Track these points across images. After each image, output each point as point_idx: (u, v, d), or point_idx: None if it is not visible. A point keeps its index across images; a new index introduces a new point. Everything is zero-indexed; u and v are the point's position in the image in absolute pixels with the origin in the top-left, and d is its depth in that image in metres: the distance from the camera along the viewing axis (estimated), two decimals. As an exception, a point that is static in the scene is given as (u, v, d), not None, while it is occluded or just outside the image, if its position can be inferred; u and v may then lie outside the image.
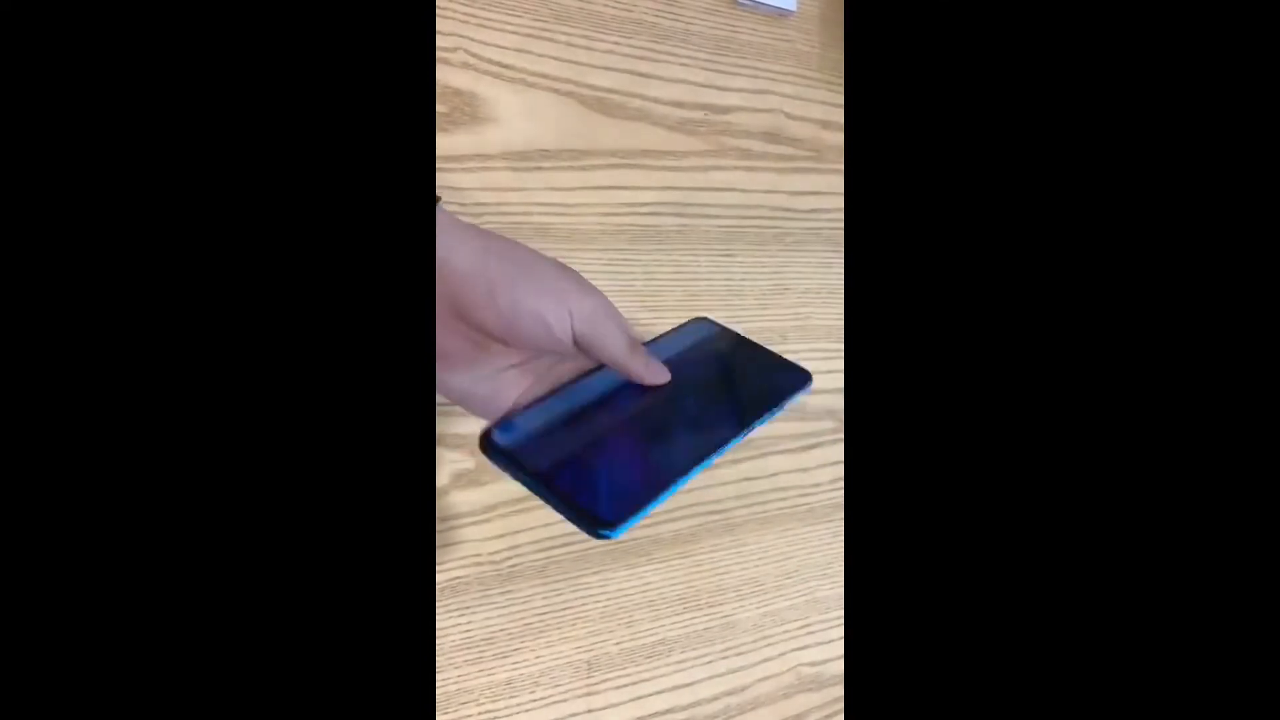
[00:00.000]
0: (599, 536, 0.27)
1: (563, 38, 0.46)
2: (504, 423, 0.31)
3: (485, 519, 0.44)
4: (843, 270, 0.57)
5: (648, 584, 0.49)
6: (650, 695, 0.49)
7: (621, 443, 0.31)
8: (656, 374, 0.34)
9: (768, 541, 0.54)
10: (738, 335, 0.41)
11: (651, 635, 0.49)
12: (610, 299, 0.32)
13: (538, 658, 0.45)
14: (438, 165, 0.43)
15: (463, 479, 0.44)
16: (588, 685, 0.47)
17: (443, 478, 0.43)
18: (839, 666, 0.58)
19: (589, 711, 0.47)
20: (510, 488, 0.45)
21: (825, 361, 0.57)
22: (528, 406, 0.32)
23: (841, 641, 0.58)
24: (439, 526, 0.43)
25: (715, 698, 0.52)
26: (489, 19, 0.44)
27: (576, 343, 0.30)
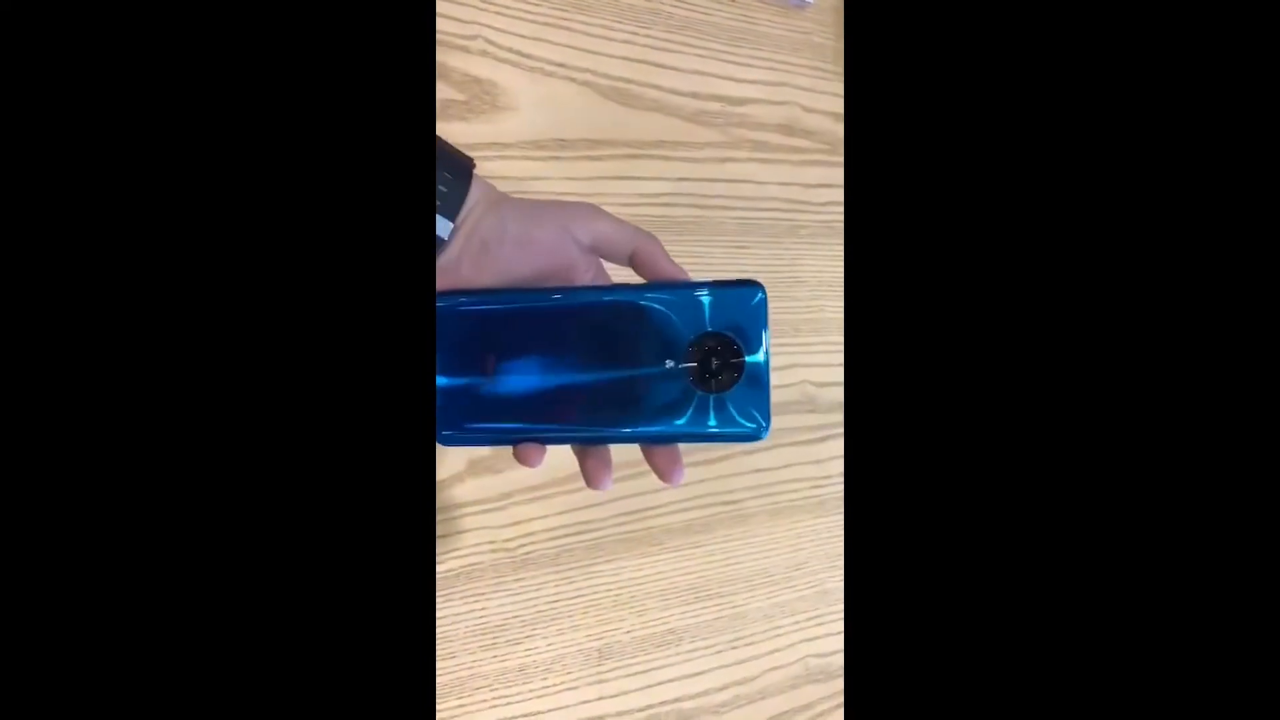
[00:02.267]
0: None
1: (580, 27, 0.46)
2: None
3: (500, 506, 0.45)
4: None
5: (659, 573, 0.50)
6: (660, 684, 0.49)
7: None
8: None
9: (779, 533, 0.54)
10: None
11: (662, 624, 0.50)
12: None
13: (550, 645, 0.46)
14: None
15: (478, 466, 0.44)
16: (599, 673, 0.47)
17: (458, 465, 0.44)
18: (847, 658, 0.58)
19: (599, 699, 0.47)
20: (524, 476, 0.45)
21: (838, 354, 0.57)
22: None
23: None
24: (455, 514, 0.43)
25: (724, 687, 0.52)
26: (507, 7, 0.44)
27: (596, 251, 0.31)
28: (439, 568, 0.43)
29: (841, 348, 0.57)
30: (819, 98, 0.55)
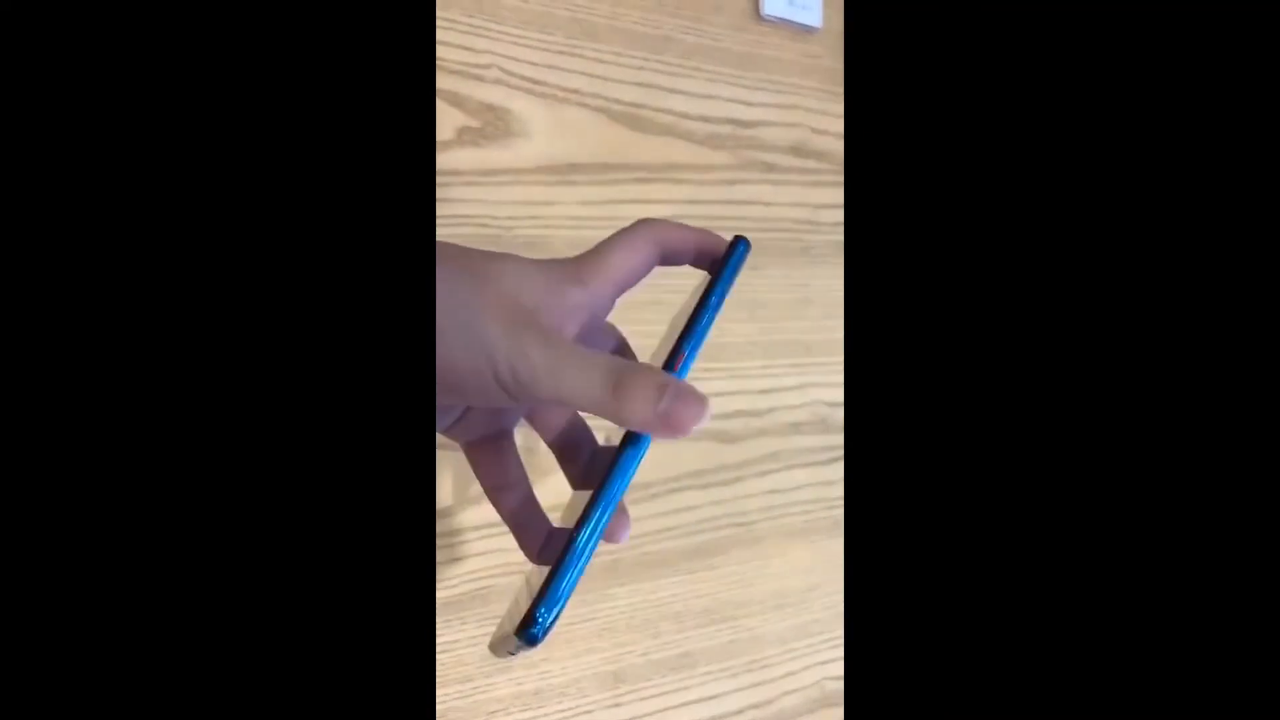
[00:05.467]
0: None
1: (592, 54, 0.47)
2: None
3: (514, 529, 0.45)
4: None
5: (674, 596, 0.49)
6: (675, 707, 0.49)
7: None
8: (684, 409, 0.21)
9: (793, 554, 0.54)
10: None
11: (677, 647, 0.49)
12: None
13: (564, 668, 0.46)
14: (472, 180, 0.43)
15: (492, 489, 0.44)
16: (614, 696, 0.47)
17: (475, 486, 0.44)
18: (864, 681, 0.57)
19: (615, 723, 0.47)
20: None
21: (850, 374, 0.57)
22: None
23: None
24: (468, 536, 0.43)
25: (740, 711, 0.51)
26: (522, 36, 0.45)
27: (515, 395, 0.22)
28: (453, 591, 0.43)
29: (854, 367, 0.57)
30: (828, 120, 0.56)
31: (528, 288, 0.23)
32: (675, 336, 0.27)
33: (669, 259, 0.28)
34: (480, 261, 0.24)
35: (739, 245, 0.29)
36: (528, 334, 0.22)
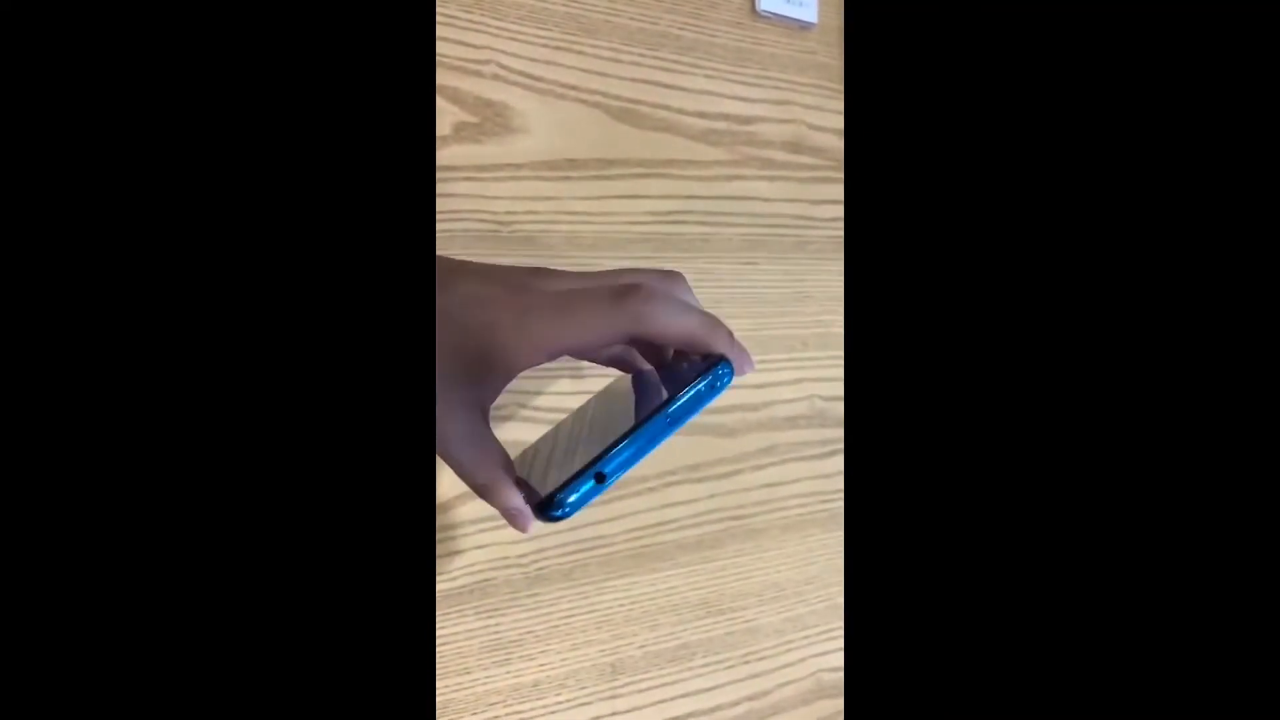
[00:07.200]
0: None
1: (590, 50, 0.47)
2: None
3: (512, 522, 0.45)
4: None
5: (671, 588, 0.50)
6: (672, 699, 0.50)
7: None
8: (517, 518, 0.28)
9: (790, 547, 0.54)
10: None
11: (674, 639, 0.50)
12: None
13: (563, 660, 0.46)
14: (470, 175, 0.44)
15: (491, 483, 0.44)
16: (612, 688, 0.48)
17: (472, 481, 0.44)
18: (859, 673, 0.58)
19: (613, 714, 0.48)
20: (537, 492, 0.46)
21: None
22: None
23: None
24: (468, 529, 0.44)
25: (736, 702, 0.52)
26: (519, 32, 0.45)
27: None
28: (453, 584, 0.43)
29: (850, 362, 0.58)
30: (824, 115, 0.56)
31: (483, 335, 0.27)
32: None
33: (646, 345, 0.29)
34: (452, 288, 0.27)
35: (719, 369, 0.27)
36: (444, 406, 0.26)
